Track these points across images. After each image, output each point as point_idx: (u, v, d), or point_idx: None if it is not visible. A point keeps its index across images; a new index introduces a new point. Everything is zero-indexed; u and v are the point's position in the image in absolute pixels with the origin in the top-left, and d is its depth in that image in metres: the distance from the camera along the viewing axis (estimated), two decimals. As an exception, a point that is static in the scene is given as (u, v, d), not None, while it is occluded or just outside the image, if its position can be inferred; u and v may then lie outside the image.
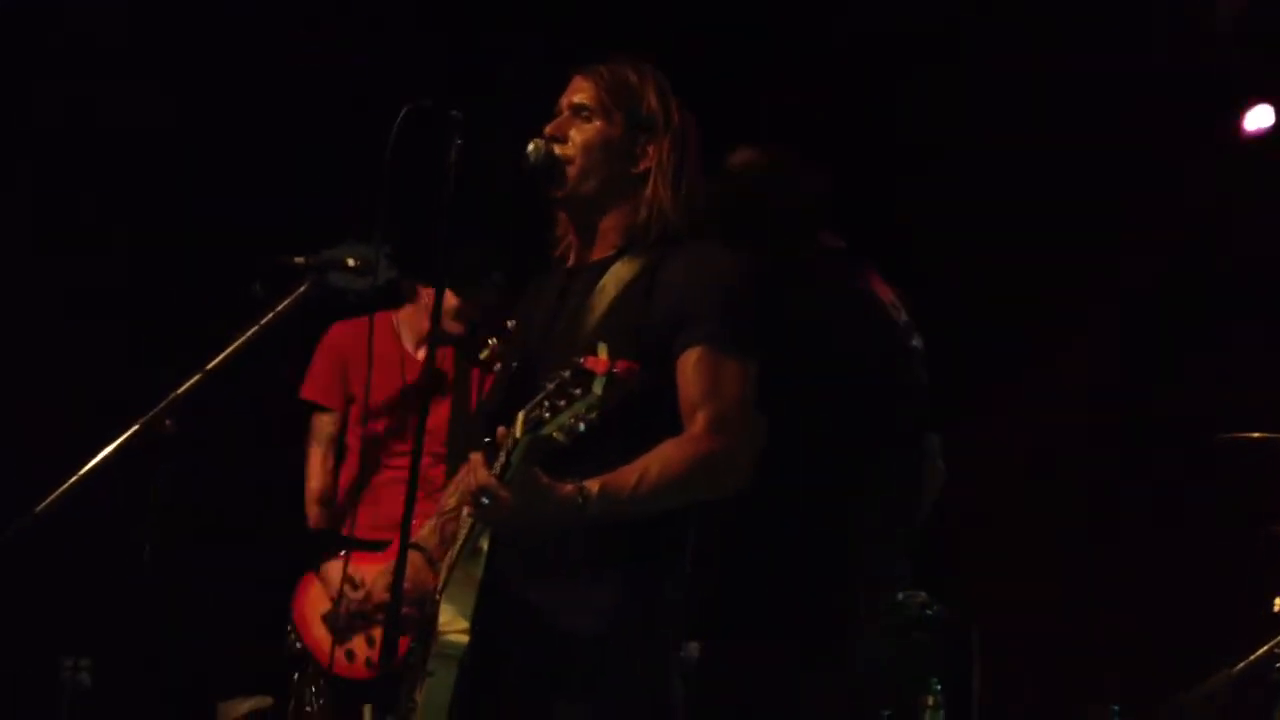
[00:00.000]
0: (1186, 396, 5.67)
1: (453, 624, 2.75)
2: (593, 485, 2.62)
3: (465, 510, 2.89)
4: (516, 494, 2.58)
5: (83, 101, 5.51)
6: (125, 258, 5.63)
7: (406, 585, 2.91)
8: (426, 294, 4.76)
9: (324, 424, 4.76)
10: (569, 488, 2.60)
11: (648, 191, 2.96)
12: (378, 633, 4.42)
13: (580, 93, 3.02)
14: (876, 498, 3.36)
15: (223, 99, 5.64)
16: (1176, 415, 5.65)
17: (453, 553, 2.92)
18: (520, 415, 2.54)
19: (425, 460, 4.51)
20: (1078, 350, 6.12)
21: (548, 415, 2.46)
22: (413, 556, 2.98)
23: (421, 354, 4.82)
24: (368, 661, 4.46)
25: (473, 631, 2.73)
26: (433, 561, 3.01)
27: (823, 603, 3.29)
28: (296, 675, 4.54)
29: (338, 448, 4.76)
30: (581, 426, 2.44)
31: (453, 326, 4.71)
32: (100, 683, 4.32)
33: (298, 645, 4.55)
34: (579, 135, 2.98)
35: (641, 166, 2.98)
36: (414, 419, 4.64)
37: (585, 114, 3.00)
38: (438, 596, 2.86)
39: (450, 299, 4.65)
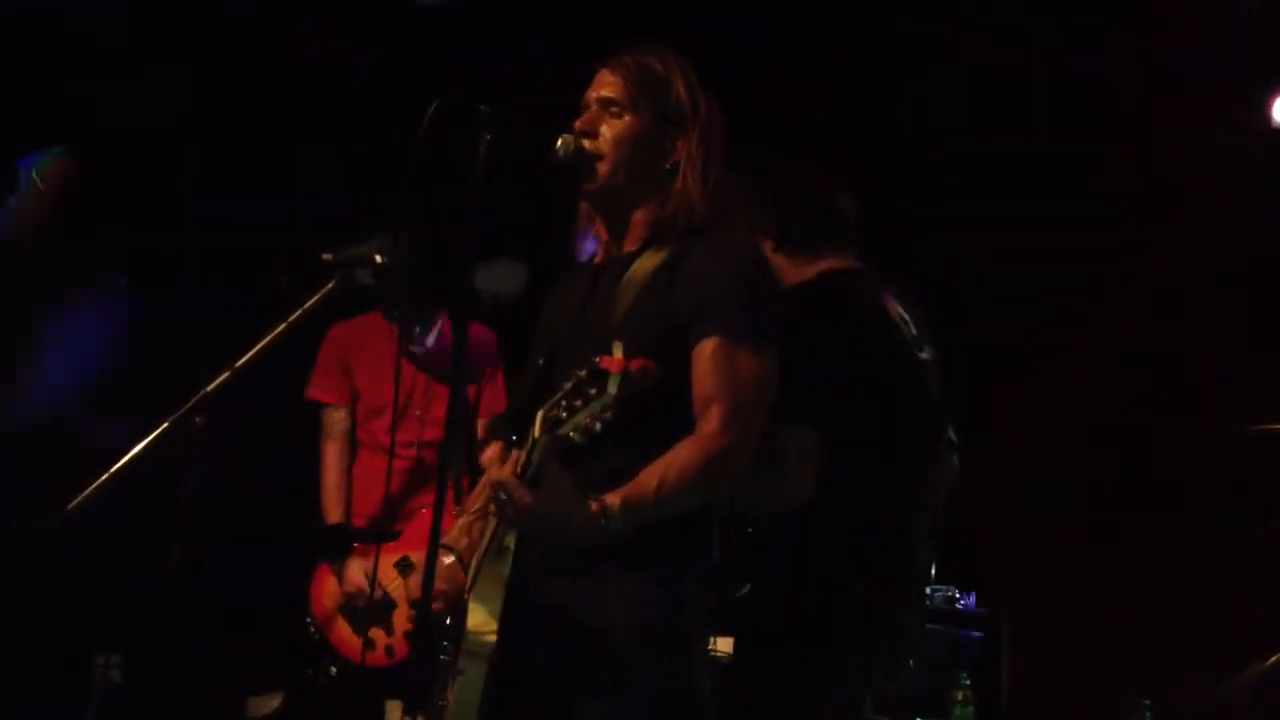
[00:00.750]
0: (1214, 387, 5.68)
1: (481, 622, 2.77)
2: (614, 500, 2.63)
3: (492, 508, 2.88)
4: (539, 499, 2.59)
5: (83, 101, 5.48)
6: (127, 257, 5.59)
7: (441, 586, 2.91)
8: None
9: (335, 420, 4.85)
10: (594, 506, 2.61)
11: (678, 185, 2.95)
12: (395, 620, 4.54)
13: (607, 87, 3.01)
14: (875, 504, 3.36)
15: (224, 99, 5.61)
16: (1206, 408, 5.66)
17: (479, 551, 2.91)
18: (539, 415, 2.54)
19: (430, 452, 4.57)
20: (1103, 341, 6.13)
21: (565, 415, 2.46)
22: (443, 557, 2.98)
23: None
24: (387, 649, 4.53)
25: (501, 629, 2.74)
26: (463, 562, 3.00)
27: (821, 604, 3.29)
28: (311, 669, 4.58)
29: (351, 442, 4.84)
30: (598, 426, 2.46)
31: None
32: (131, 679, 4.33)
33: (316, 636, 4.62)
34: (609, 130, 2.96)
35: (671, 160, 2.97)
36: (414, 410, 4.69)
37: (614, 109, 2.98)
38: (467, 595, 2.85)
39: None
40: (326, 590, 4.67)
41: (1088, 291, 6.19)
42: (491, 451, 2.83)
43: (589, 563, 2.75)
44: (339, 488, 4.77)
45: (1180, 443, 5.78)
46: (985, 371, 6.48)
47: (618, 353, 2.43)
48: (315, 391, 4.87)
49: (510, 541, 2.80)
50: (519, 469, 2.61)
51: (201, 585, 3.79)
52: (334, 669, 4.58)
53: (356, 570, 4.58)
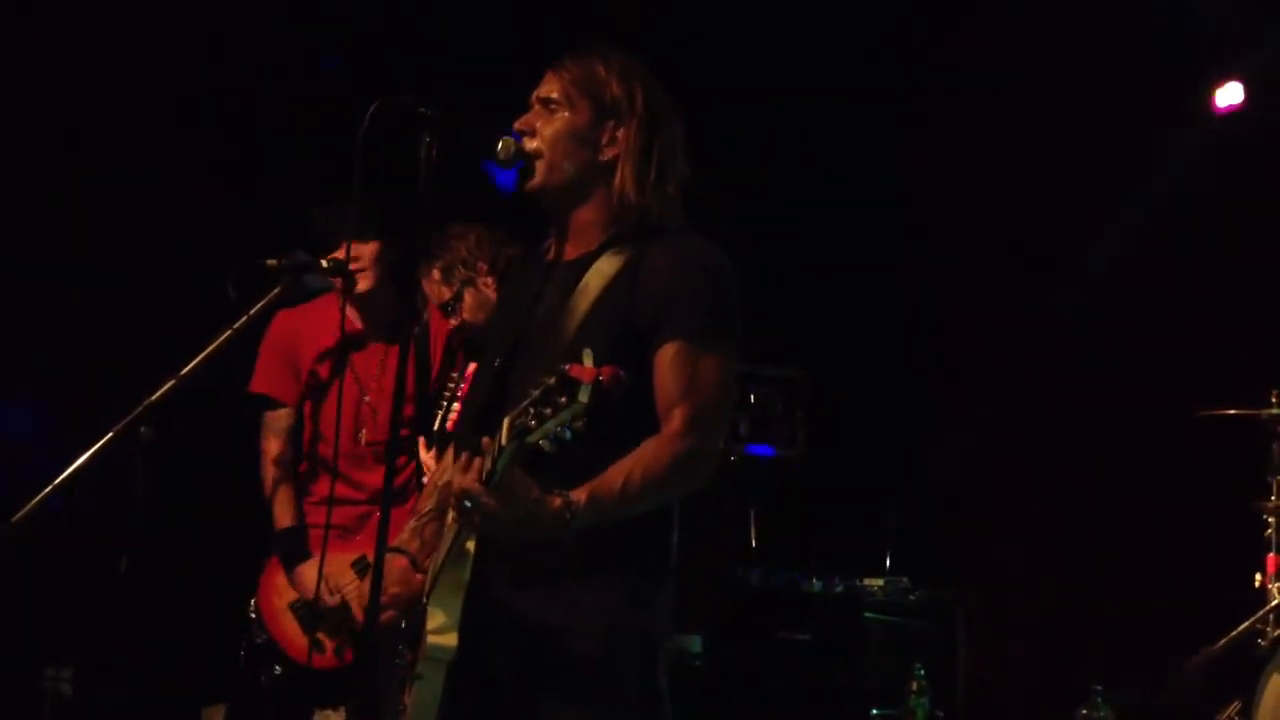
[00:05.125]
0: (1162, 374, 5.70)
1: (441, 627, 2.73)
2: (580, 495, 2.61)
3: (450, 514, 2.87)
4: (502, 502, 2.56)
5: (48, 107, 5.44)
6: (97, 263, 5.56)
7: (395, 589, 2.90)
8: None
9: (278, 418, 4.56)
10: (557, 501, 2.59)
11: (616, 179, 2.93)
12: (347, 622, 4.39)
13: (548, 86, 2.99)
14: None
15: (193, 102, 5.58)
16: (1154, 394, 5.68)
17: (439, 556, 2.90)
18: (506, 422, 2.52)
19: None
20: (1056, 329, 6.15)
21: (533, 424, 2.44)
22: (396, 559, 2.96)
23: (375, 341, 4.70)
24: (336, 650, 4.39)
25: (460, 634, 2.72)
26: (416, 564, 2.98)
27: None
28: (254, 671, 4.47)
29: (296, 441, 4.59)
30: (568, 434, 2.43)
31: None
32: (82, 692, 4.30)
33: (260, 638, 4.45)
34: (546, 128, 2.94)
35: (609, 154, 2.94)
36: (362, 407, 4.57)
37: (552, 106, 2.97)
38: (425, 600, 2.83)
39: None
40: (275, 587, 4.48)
41: (1039, 280, 6.22)
42: (450, 456, 2.80)
43: (552, 568, 2.73)
44: (285, 490, 4.51)
45: (1132, 429, 5.81)
46: (940, 364, 6.52)
47: (588, 361, 2.40)
48: (262, 386, 4.56)
49: (470, 546, 2.78)
50: (483, 475, 2.60)
51: (153, 596, 3.77)
52: (278, 669, 4.42)
53: (310, 572, 4.36)
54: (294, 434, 4.55)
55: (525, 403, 2.46)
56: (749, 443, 6.09)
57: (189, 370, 3.21)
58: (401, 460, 4.45)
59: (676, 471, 2.72)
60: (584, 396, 2.38)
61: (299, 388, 4.55)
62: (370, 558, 4.35)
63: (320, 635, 4.36)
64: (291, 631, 4.42)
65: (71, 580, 4.74)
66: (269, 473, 4.51)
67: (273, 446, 4.53)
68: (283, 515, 4.49)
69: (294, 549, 4.42)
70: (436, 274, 4.24)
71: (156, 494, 3.24)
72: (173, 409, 3.19)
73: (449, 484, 2.68)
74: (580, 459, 2.62)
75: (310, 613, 4.37)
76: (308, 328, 4.57)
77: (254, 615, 4.46)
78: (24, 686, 4.55)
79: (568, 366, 2.40)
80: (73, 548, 4.50)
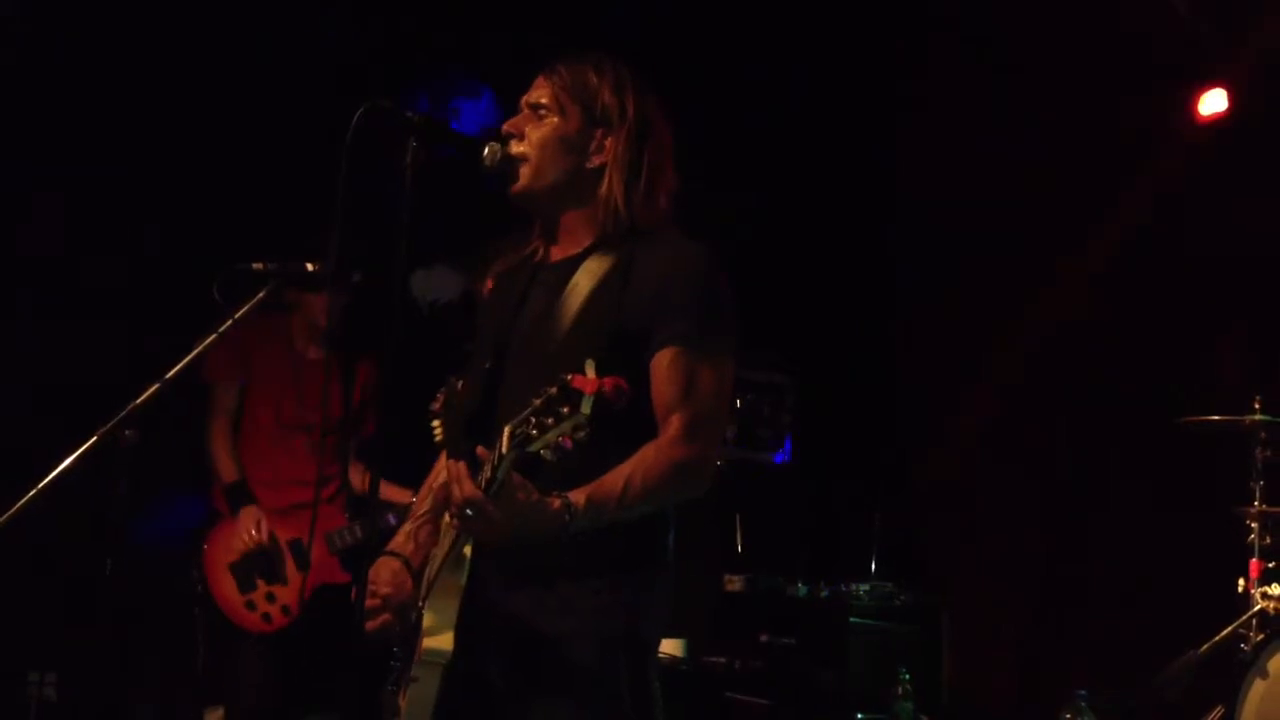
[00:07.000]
0: (1148, 381, 5.72)
1: (437, 631, 2.76)
2: (578, 498, 2.64)
3: (448, 519, 2.88)
4: (503, 509, 2.58)
5: (35, 107, 5.43)
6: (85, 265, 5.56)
7: (386, 590, 2.91)
8: (306, 300, 4.94)
9: (225, 398, 4.92)
10: (555, 503, 2.62)
11: (603, 187, 2.94)
12: (279, 590, 4.75)
13: (539, 91, 3.01)
14: None
15: (176, 105, 5.58)
16: (1139, 400, 5.71)
17: (436, 560, 2.91)
18: (506, 430, 2.53)
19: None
20: (1042, 336, 6.18)
21: (534, 433, 2.46)
22: (389, 562, 2.97)
23: (313, 354, 5.01)
24: (265, 616, 4.71)
25: (457, 638, 2.74)
26: (410, 566, 2.99)
27: None
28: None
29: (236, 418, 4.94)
30: (569, 445, 2.45)
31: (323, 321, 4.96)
32: (65, 696, 4.29)
33: (199, 587, 4.73)
34: (535, 133, 2.96)
35: (597, 161, 2.96)
36: (298, 408, 4.86)
37: (542, 112, 2.98)
38: (422, 604, 2.85)
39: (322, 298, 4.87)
40: (219, 546, 4.74)
41: (1025, 287, 6.24)
42: (448, 464, 2.81)
43: (546, 570, 2.76)
44: (229, 454, 4.86)
45: (1117, 436, 5.83)
46: (927, 370, 6.55)
47: (590, 372, 2.42)
48: (212, 374, 4.88)
49: (468, 551, 2.79)
50: (483, 484, 2.60)
51: (137, 599, 3.78)
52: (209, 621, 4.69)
53: (249, 517, 4.74)
54: (235, 412, 4.94)
55: (526, 411, 2.48)
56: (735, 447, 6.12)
57: (174, 374, 3.20)
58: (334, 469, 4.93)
59: (676, 478, 2.75)
60: (586, 408, 2.41)
61: (244, 377, 4.89)
62: (305, 542, 4.71)
63: (252, 598, 4.69)
64: (228, 590, 4.71)
65: (55, 584, 4.75)
66: (216, 442, 4.87)
67: (221, 421, 4.90)
68: (229, 471, 4.86)
69: (242, 495, 4.79)
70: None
71: (140, 497, 3.24)
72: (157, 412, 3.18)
73: (444, 487, 2.69)
74: (576, 463, 2.63)
75: (248, 574, 4.71)
76: (262, 332, 4.87)
77: (198, 567, 4.75)
78: (8, 691, 4.54)
79: (570, 377, 2.42)
80: (56, 552, 4.50)
